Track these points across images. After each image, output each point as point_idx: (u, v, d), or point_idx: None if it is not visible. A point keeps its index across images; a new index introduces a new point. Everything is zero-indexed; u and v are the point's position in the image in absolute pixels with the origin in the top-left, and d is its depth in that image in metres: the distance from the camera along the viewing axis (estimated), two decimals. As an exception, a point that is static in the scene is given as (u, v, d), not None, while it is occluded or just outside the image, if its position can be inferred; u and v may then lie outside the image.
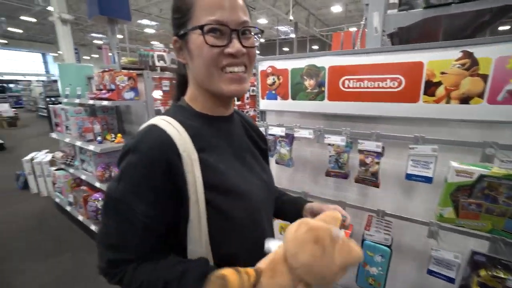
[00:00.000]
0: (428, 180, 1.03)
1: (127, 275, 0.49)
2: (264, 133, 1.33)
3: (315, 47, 18.85)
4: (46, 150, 4.20)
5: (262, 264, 0.43)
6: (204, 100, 0.58)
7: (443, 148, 1.03)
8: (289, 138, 1.34)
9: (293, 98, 1.45)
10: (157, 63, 2.70)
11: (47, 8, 8.00)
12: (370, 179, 1.12)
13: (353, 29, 7.12)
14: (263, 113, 1.67)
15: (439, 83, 1.02)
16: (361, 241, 1.18)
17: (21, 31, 14.98)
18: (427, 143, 1.04)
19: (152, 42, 11.95)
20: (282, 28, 16.14)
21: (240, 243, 0.55)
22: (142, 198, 0.47)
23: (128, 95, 2.39)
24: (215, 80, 0.52)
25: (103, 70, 2.61)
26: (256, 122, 1.56)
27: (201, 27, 0.49)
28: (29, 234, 2.93)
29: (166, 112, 0.57)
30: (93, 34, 15.54)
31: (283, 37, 17.75)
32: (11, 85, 13.05)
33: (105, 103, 2.29)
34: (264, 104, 1.61)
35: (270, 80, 1.53)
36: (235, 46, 0.50)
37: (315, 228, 0.40)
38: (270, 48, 18.67)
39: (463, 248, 1.03)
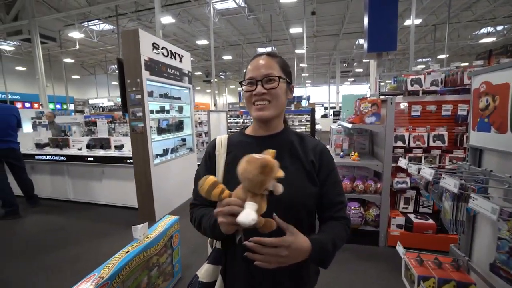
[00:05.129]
0: None
1: (192, 214, 0.84)
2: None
3: None
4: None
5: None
6: (253, 126, 0.89)
7: None
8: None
9: None
10: (409, 88, 2.54)
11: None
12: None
13: None
14: (475, 151, 1.11)
15: None
16: None
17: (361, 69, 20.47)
18: None
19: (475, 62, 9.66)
20: None
21: None
22: (202, 169, 0.88)
23: (369, 119, 2.62)
24: (251, 110, 0.82)
25: (362, 97, 3.06)
26: (457, 164, 1.11)
27: (240, 82, 0.83)
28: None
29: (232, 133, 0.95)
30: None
31: None
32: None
33: (348, 125, 2.74)
34: (476, 138, 1.08)
35: (482, 102, 1.01)
36: (256, 89, 0.77)
37: (249, 155, 0.60)
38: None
39: None
